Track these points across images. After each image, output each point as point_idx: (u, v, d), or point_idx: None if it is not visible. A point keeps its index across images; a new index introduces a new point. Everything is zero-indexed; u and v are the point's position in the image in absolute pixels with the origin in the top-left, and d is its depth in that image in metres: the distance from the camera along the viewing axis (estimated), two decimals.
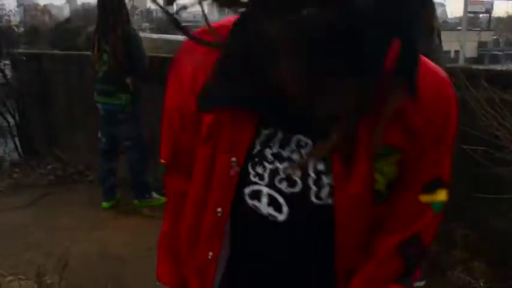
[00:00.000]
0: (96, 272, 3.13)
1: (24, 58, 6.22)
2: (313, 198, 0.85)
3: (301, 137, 0.84)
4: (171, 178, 1.08)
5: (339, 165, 0.81)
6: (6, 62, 6.25)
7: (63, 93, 5.72)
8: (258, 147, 0.85)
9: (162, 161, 1.06)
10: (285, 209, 0.86)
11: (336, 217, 0.84)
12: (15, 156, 6.08)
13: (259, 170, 0.86)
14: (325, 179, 0.83)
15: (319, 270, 0.93)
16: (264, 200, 0.87)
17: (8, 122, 6.15)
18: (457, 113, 0.85)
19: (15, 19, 8.67)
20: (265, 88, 0.75)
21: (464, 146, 2.64)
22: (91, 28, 4.49)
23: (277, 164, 0.85)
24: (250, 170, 0.87)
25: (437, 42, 2.56)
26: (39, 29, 13.53)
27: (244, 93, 0.80)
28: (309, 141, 0.83)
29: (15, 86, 6.09)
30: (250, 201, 0.89)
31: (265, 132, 0.85)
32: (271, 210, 0.87)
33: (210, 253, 0.95)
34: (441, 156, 0.86)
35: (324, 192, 0.84)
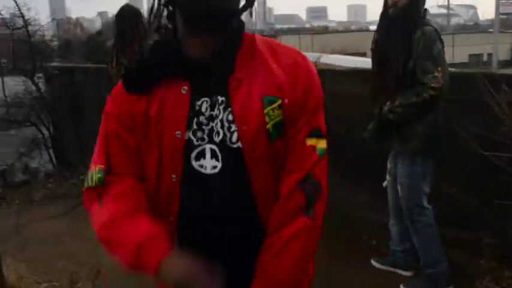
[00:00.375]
0: (127, 280, 3.20)
1: (57, 72, 6.42)
2: (228, 143, 1.10)
3: (218, 96, 1.11)
4: (114, 180, 1.15)
5: (239, 113, 1.09)
6: (40, 75, 6.44)
7: (94, 106, 5.87)
8: (194, 119, 1.11)
9: (101, 166, 1.16)
10: (220, 156, 1.11)
11: (244, 156, 1.10)
12: (49, 167, 6.25)
13: (199, 134, 1.12)
14: (233, 127, 1.10)
15: (251, 223, 1.15)
16: (208, 155, 1.12)
17: (42, 134, 6.34)
18: (318, 81, 1.16)
19: (48, 33, 8.90)
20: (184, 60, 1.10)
21: (486, 153, 2.61)
22: (110, 42, 4.59)
23: (212, 124, 1.11)
24: (192, 137, 1.12)
25: (440, 47, 2.59)
26: (71, 43, 13.86)
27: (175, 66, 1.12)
28: (224, 98, 1.11)
29: (49, 99, 6.27)
30: (195, 163, 1.12)
31: (197, 103, 1.11)
32: (214, 162, 1.12)
33: (171, 218, 1.16)
34: (315, 113, 1.15)
35: (234, 137, 1.10)
